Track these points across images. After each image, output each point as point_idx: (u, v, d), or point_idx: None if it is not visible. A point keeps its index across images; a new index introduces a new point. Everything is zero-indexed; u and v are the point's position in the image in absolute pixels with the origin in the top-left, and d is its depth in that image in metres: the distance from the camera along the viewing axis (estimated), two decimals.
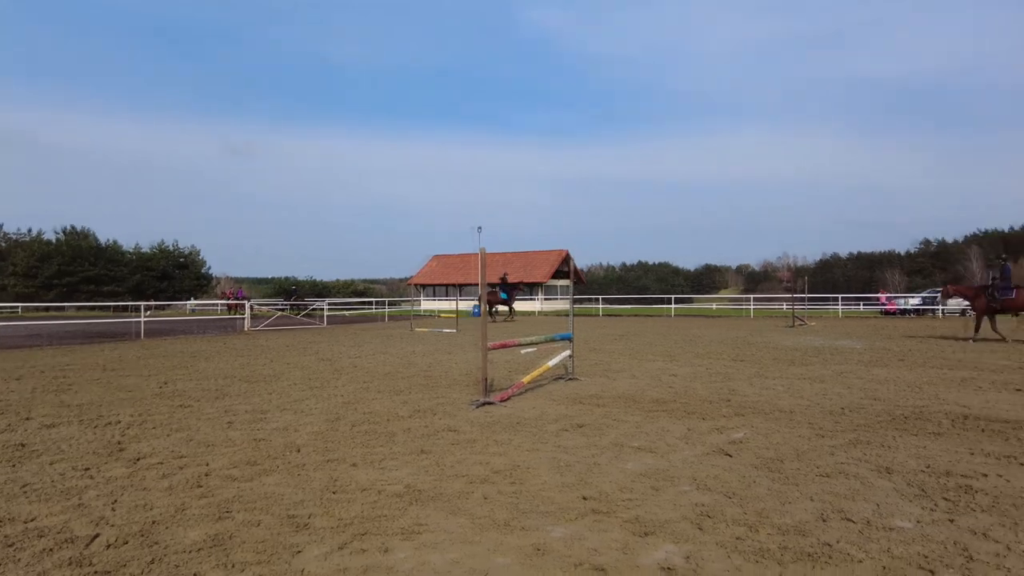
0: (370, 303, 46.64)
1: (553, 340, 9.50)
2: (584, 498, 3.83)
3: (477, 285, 51.50)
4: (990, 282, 15.66)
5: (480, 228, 53.23)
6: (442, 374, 9.77)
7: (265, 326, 24.53)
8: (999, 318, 16.49)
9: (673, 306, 39.00)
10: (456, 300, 29.86)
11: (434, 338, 18.46)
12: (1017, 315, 15.08)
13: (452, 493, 3.96)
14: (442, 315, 36.37)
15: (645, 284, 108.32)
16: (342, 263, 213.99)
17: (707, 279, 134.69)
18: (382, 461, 4.72)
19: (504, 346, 8.29)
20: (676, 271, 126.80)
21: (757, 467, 4.46)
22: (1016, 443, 5.11)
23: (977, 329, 15.60)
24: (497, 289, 29.16)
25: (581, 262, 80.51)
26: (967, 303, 22.07)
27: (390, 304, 45.63)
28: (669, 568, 2.86)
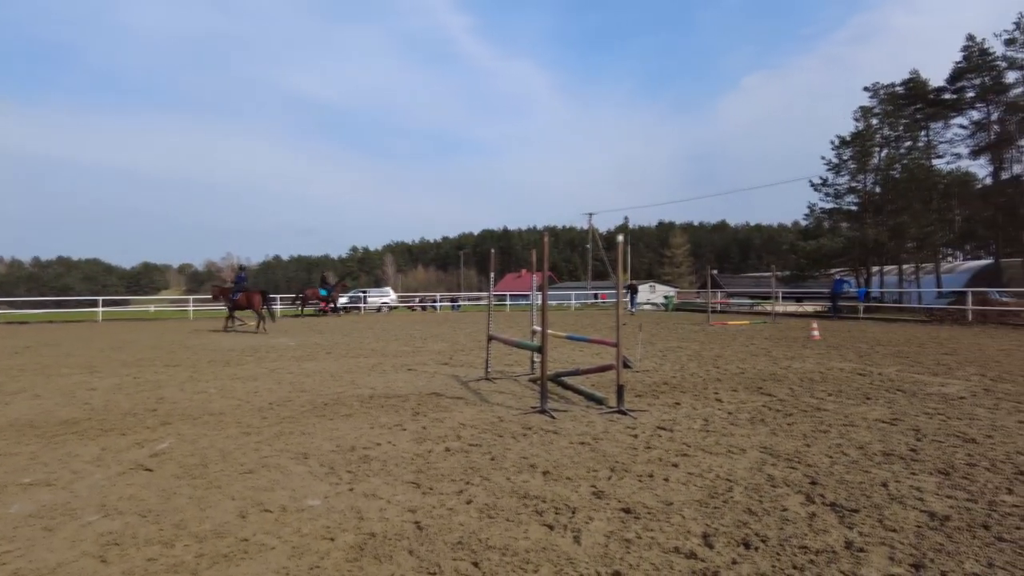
0: None
1: None
2: None
3: None
4: (232, 286, 20.62)
5: None
6: None
7: None
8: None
9: (101, 309, 33.82)
10: None
11: None
12: (249, 308, 20.07)
13: None
14: None
15: (68, 284, 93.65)
16: None
17: (146, 279, 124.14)
18: None
19: None
20: (109, 269, 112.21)
21: (179, 477, 4.26)
22: (403, 412, 6.36)
23: (233, 320, 20.23)
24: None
25: None
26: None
27: None
28: None
